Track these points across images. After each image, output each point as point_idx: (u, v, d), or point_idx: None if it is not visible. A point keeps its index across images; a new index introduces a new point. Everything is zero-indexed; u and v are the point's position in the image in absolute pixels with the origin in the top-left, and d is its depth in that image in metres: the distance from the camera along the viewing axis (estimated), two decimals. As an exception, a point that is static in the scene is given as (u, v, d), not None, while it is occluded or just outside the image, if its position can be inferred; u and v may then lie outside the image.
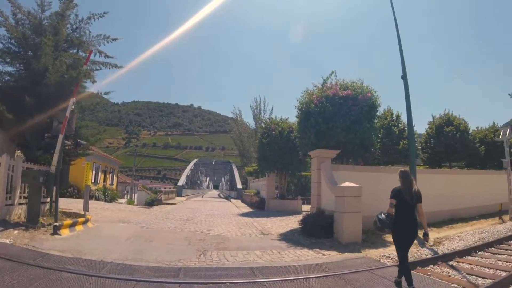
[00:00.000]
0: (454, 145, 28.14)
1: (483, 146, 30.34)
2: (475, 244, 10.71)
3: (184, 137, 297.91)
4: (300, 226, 13.47)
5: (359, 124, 14.80)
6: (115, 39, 15.98)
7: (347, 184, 11.89)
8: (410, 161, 14.41)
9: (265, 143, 25.91)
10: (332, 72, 17.33)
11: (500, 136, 19.56)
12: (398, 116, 30.26)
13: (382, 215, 6.13)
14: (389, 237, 12.00)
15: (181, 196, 51.06)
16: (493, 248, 10.47)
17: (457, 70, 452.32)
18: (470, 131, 31.22)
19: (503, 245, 10.95)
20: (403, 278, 6.25)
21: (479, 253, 9.86)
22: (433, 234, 13.24)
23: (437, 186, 17.21)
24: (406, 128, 27.32)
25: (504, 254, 9.70)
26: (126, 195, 51.14)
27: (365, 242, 11.20)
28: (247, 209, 28.78)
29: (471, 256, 9.54)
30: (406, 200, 6.04)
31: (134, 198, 45.86)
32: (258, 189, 36.72)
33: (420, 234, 6.32)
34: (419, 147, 30.55)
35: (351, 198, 11.53)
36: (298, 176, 33.76)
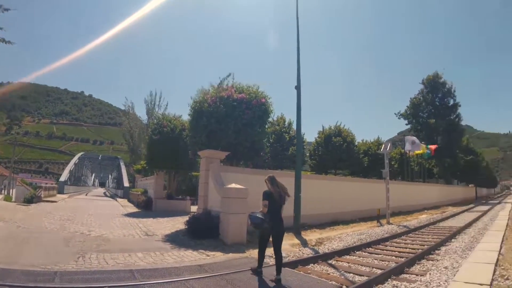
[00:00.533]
0: (340, 154, 29.87)
1: (366, 157, 32.62)
2: (354, 245, 11.32)
3: (71, 127, 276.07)
4: (186, 227, 13.04)
5: (251, 127, 14.91)
6: (7, 10, 14.20)
7: (233, 185, 11.81)
8: (296, 166, 14.78)
9: (155, 140, 24.70)
10: (229, 74, 17.39)
11: (382, 150, 21.11)
12: (290, 124, 31.13)
13: (258, 214, 6.73)
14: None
15: (62, 193, 47.10)
16: (370, 248, 11.10)
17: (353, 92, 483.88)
18: (356, 143, 33.36)
19: (380, 246, 11.69)
20: (263, 268, 7.26)
21: (357, 252, 10.36)
22: (316, 235, 13.79)
23: (322, 191, 18.04)
24: (304, 133, 28.58)
25: (380, 254, 10.32)
26: (3, 190, 47.08)
27: (250, 243, 11.18)
28: (134, 209, 27.33)
29: (350, 255, 9.97)
30: (276, 201, 6.87)
31: (12, 194, 41.85)
32: (146, 188, 35.24)
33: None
34: (308, 154, 31.93)
35: (237, 199, 11.48)
36: (189, 176, 33.25)
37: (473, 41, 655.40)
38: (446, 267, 8.04)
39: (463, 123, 55.19)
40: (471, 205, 38.26)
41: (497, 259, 8.46)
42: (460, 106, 52.06)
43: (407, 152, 31.00)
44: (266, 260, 8.61)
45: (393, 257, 9.85)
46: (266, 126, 16.48)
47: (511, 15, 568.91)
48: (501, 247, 10.31)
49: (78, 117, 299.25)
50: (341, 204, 19.58)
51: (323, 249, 10.85)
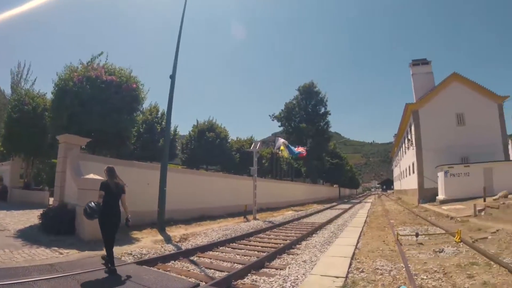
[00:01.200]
0: (213, 150, 29.52)
1: (238, 154, 32.75)
2: (218, 240, 11.14)
3: None
4: (41, 221, 11.62)
5: (118, 113, 13.88)
6: None
7: (91, 176, 10.83)
8: (163, 158, 14.04)
9: (14, 119, 21.24)
10: (101, 53, 15.47)
11: (252, 148, 21.31)
12: (163, 114, 29.74)
13: (92, 203, 6.49)
14: (136, 234, 11.55)
15: None
16: (234, 244, 11.01)
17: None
18: (230, 140, 33.39)
19: (244, 241, 11.67)
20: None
21: (221, 248, 10.17)
22: (181, 231, 13.32)
23: (191, 186, 17.61)
24: (178, 126, 27.82)
25: (243, 249, 10.22)
26: None
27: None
28: (-16, 200, 24.22)
29: (213, 251, 9.74)
30: (112, 192, 6.79)
31: None
32: (2, 175, 31.61)
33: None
34: (180, 148, 31.12)
35: (96, 191, 10.48)
36: (50, 164, 29.92)
37: (344, 57, 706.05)
38: (305, 261, 8.23)
39: (332, 130, 59.38)
40: (334, 203, 41.10)
41: (354, 253, 8.91)
42: (330, 114, 55.56)
43: (277, 152, 31.95)
44: (125, 258, 8.08)
45: (256, 252, 9.84)
46: (136, 114, 15.50)
47: (368, 36, 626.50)
48: (358, 242, 10.96)
49: None
50: (209, 199, 19.43)
51: (186, 245, 10.55)
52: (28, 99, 22.08)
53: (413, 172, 37.13)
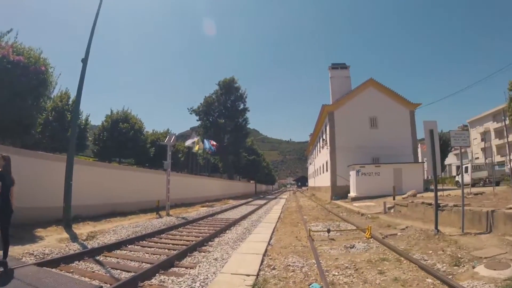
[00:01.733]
0: (126, 142, 28.24)
1: (153, 148, 31.72)
2: (128, 238, 10.58)
3: None
4: None
5: (22, 98, 12.75)
6: None
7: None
8: (69, 149, 12.96)
9: None
10: (10, 30, 13.86)
11: (166, 141, 20.70)
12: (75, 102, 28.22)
13: None
14: (40, 232, 10.76)
15: None
16: (144, 241, 10.50)
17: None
18: (145, 132, 32.23)
19: (155, 238, 11.21)
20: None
21: (129, 246, 9.62)
22: (89, 228, 12.58)
23: (101, 180, 16.76)
24: (90, 115, 26.39)
25: (153, 247, 9.76)
26: None
27: (11, 237, 9.43)
28: None
29: (121, 250, 9.18)
30: (7, 184, 6.55)
31: None
32: None
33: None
34: (91, 139, 29.44)
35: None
36: None
37: (265, 57, 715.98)
38: (216, 259, 8.00)
39: (250, 126, 59.63)
40: (250, 199, 41.39)
41: (266, 250, 8.87)
42: (249, 111, 55.76)
43: (191, 147, 31.50)
44: (26, 258, 7.65)
45: (166, 250, 9.45)
46: (42, 100, 14.29)
47: (291, 38, 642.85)
48: (271, 238, 10.99)
49: None
50: (121, 194, 18.59)
51: (93, 244, 9.91)
52: None
53: (327, 170, 38.45)
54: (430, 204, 13.47)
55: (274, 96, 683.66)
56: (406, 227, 11.73)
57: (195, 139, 30.28)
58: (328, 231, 11.57)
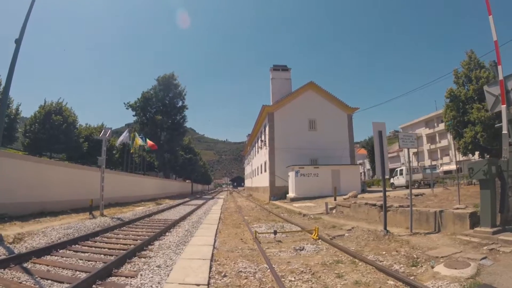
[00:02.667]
0: (58, 135, 26.70)
1: (87, 142, 30.29)
2: (59, 241, 9.58)
3: None
4: None
5: None
6: None
7: None
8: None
9: None
10: None
11: (100, 135, 19.60)
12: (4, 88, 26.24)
13: None
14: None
15: None
16: (77, 245, 9.54)
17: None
18: (78, 125, 30.78)
19: (89, 242, 10.29)
20: None
21: (61, 251, 8.66)
22: (16, 229, 11.45)
23: (28, 175, 15.58)
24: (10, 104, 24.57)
25: (87, 252, 8.82)
26: None
27: None
28: None
29: (52, 255, 8.20)
30: None
31: None
32: None
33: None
34: (21, 130, 27.57)
35: None
36: None
37: (202, 57, 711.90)
38: (159, 266, 7.28)
39: (187, 125, 58.42)
40: (187, 199, 40.71)
41: (213, 254, 8.41)
42: (187, 108, 54.94)
43: (127, 143, 30.48)
44: None
45: (102, 255, 8.51)
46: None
47: (232, 38, 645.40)
48: (215, 241, 10.55)
49: None
50: (52, 192, 17.32)
51: (21, 248, 8.84)
52: None
53: (265, 170, 38.66)
54: (373, 205, 13.69)
55: (213, 96, 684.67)
56: (352, 228, 11.80)
57: (127, 134, 28.95)
58: (275, 232, 11.53)
